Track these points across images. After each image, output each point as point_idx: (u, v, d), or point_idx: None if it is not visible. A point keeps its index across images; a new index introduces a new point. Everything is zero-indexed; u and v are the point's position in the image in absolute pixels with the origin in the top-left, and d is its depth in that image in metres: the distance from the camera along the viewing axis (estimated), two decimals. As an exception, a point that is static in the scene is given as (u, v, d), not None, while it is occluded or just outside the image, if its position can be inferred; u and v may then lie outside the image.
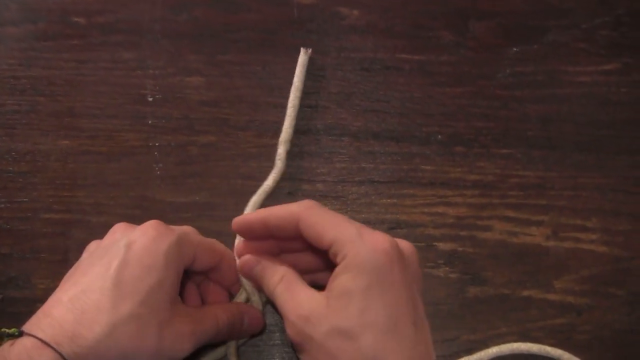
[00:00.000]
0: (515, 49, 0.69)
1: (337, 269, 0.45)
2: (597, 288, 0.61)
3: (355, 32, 0.69)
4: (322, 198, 0.62)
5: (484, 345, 0.58)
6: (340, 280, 0.44)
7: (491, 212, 0.63)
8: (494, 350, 0.57)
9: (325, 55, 0.68)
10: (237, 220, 0.51)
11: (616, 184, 0.64)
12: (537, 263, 0.61)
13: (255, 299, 0.55)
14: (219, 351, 0.56)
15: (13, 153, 0.62)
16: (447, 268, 0.61)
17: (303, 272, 0.50)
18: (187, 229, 0.52)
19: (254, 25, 0.68)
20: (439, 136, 0.65)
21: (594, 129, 0.66)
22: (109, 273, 0.45)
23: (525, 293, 0.60)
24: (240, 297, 0.56)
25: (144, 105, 0.64)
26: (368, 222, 0.60)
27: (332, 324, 0.43)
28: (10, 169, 0.61)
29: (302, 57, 0.64)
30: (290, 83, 0.64)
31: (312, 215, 0.47)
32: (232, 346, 0.55)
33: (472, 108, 0.66)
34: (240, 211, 0.59)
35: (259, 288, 0.52)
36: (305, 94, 0.65)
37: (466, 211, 0.63)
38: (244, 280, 0.54)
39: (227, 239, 0.57)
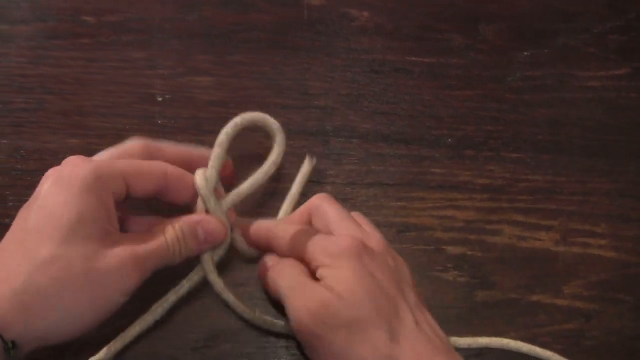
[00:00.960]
0: (525, 53, 0.69)
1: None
2: (605, 294, 0.61)
3: (365, 34, 0.69)
4: None
5: (491, 349, 0.58)
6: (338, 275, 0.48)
7: (500, 217, 0.63)
8: (485, 340, 0.57)
9: (334, 57, 0.68)
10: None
11: (626, 189, 0.65)
12: (545, 268, 0.61)
13: (212, 206, 0.52)
14: (197, 271, 0.54)
15: (22, 151, 0.61)
16: (456, 272, 0.60)
17: None
18: (114, 153, 0.50)
19: (264, 26, 0.68)
20: (449, 139, 0.65)
21: (604, 134, 0.67)
22: (26, 224, 0.43)
23: (534, 298, 0.60)
24: (200, 209, 0.53)
25: (153, 105, 0.64)
26: (377, 225, 0.59)
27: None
28: (19, 167, 0.60)
29: (306, 167, 0.61)
30: (301, 84, 0.65)
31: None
32: (208, 262, 0.52)
33: (482, 111, 0.67)
34: (249, 213, 0.59)
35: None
36: (314, 95, 0.65)
37: (475, 215, 0.62)
38: (201, 188, 0.51)
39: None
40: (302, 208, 0.55)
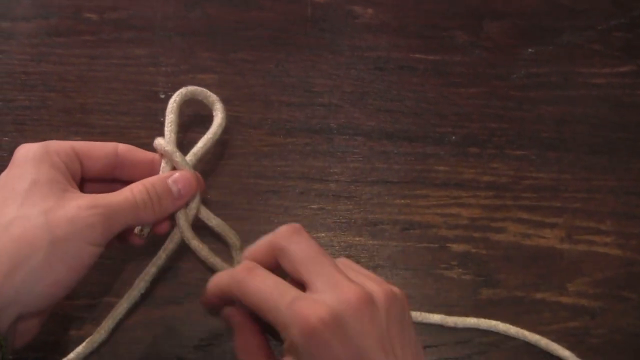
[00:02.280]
0: (530, 50, 0.70)
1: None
2: (610, 291, 0.61)
3: (369, 31, 0.69)
4: (335, 198, 0.62)
5: (496, 347, 0.58)
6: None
7: (505, 214, 0.63)
8: (472, 321, 0.58)
9: (338, 54, 0.68)
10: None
11: (630, 186, 0.65)
12: (550, 265, 0.61)
13: (179, 158, 0.52)
14: (172, 239, 0.54)
15: None
16: (460, 270, 0.60)
17: None
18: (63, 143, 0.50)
19: (267, 23, 0.69)
20: (453, 137, 0.66)
21: (609, 131, 0.67)
22: None
23: (539, 296, 0.60)
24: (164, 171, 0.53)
25: (156, 102, 0.64)
26: (381, 223, 0.61)
27: None
28: None
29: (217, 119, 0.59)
30: (304, 81, 0.65)
31: (286, 255, 0.44)
32: (185, 227, 0.53)
33: (486, 109, 0.67)
34: (253, 210, 0.60)
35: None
36: (318, 92, 0.66)
37: (480, 212, 0.63)
38: (164, 144, 0.52)
39: (240, 236, 0.57)
40: (266, 243, 0.46)
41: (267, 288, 0.42)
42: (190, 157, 0.54)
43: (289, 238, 0.44)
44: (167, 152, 0.52)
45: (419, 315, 0.58)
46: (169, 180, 0.50)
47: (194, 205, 0.53)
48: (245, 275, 0.43)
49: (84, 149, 0.49)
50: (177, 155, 0.52)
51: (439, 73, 0.68)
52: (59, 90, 0.64)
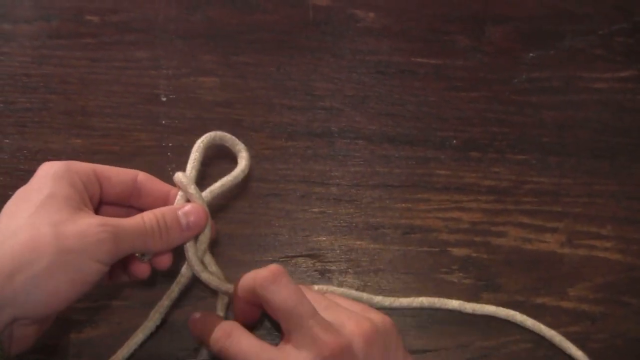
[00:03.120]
0: (531, 54, 0.70)
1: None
2: (611, 296, 0.61)
3: (371, 34, 0.70)
4: (336, 202, 0.62)
5: (497, 351, 0.58)
6: None
7: (506, 218, 0.63)
8: (491, 308, 0.59)
9: (340, 57, 0.68)
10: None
11: (631, 191, 0.65)
12: (551, 270, 0.61)
13: (193, 191, 0.52)
14: (185, 273, 0.55)
15: (24, 151, 0.61)
16: (460, 274, 0.60)
17: None
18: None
19: (269, 26, 0.69)
20: (454, 141, 0.66)
21: (610, 135, 0.67)
22: (3, 210, 0.46)
23: (539, 300, 0.60)
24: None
25: (157, 105, 0.64)
26: (382, 227, 0.61)
27: None
28: (22, 167, 0.61)
29: (242, 164, 0.59)
30: (306, 85, 0.66)
31: (271, 299, 0.46)
32: (190, 251, 0.53)
33: (487, 113, 0.68)
34: (254, 213, 0.61)
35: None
36: (320, 96, 0.66)
37: (481, 217, 0.63)
38: (182, 177, 0.53)
39: (240, 240, 0.58)
40: (247, 287, 0.49)
41: (242, 352, 0.46)
42: (206, 193, 0.55)
43: (268, 287, 0.46)
44: (183, 184, 0.52)
45: (437, 301, 0.58)
46: (179, 212, 0.51)
47: (204, 239, 0.53)
48: (224, 342, 0.47)
49: (105, 173, 0.50)
50: (193, 189, 0.52)
51: (440, 77, 0.69)
52: (60, 93, 0.64)
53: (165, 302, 0.55)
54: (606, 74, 0.69)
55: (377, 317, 0.48)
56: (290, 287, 0.46)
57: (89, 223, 0.44)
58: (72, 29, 0.67)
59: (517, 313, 0.58)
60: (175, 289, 0.55)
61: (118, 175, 0.51)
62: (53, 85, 0.65)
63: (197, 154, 0.55)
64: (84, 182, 0.48)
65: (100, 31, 0.67)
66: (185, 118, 0.64)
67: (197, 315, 0.53)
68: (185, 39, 0.68)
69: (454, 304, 0.58)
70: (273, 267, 0.47)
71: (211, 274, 0.54)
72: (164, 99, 0.65)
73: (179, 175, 0.53)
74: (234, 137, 0.58)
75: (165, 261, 0.52)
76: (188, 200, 0.53)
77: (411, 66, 0.69)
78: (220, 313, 0.55)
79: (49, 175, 0.47)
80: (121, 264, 0.51)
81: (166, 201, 0.53)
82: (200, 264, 0.53)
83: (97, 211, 0.51)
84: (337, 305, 0.49)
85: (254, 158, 0.62)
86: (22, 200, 0.46)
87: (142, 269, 0.51)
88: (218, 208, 0.60)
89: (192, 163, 0.55)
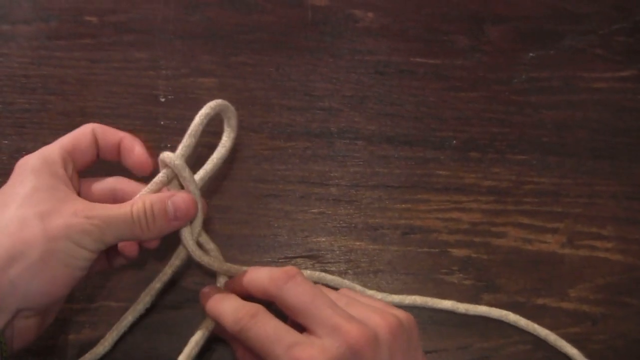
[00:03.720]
0: (531, 54, 0.70)
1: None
2: (612, 297, 0.61)
3: (370, 34, 0.70)
4: (335, 202, 0.63)
5: (497, 353, 0.58)
6: None
7: (506, 219, 0.63)
8: (483, 309, 0.59)
9: (339, 57, 0.69)
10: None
11: (632, 191, 0.65)
12: (551, 271, 0.61)
13: (187, 175, 0.51)
14: (178, 255, 0.56)
15: (23, 152, 0.58)
16: (460, 275, 0.61)
17: None
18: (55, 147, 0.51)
19: (268, 26, 0.69)
20: (454, 141, 0.66)
21: (610, 135, 0.67)
22: None
23: (540, 301, 0.60)
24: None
25: (156, 105, 0.65)
26: (381, 227, 0.61)
27: None
28: None
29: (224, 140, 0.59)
30: (305, 85, 0.66)
31: (286, 297, 0.46)
32: (189, 242, 0.53)
33: (487, 113, 0.68)
34: (253, 214, 0.61)
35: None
36: (319, 96, 0.66)
37: (481, 217, 0.63)
38: (175, 158, 0.51)
39: (239, 240, 0.59)
40: (261, 288, 0.48)
41: (266, 334, 0.44)
42: (198, 177, 0.55)
43: (283, 287, 0.46)
44: (176, 166, 0.51)
45: (429, 301, 0.58)
46: (169, 202, 0.50)
47: (197, 222, 0.53)
48: (247, 321, 0.45)
49: (70, 144, 0.50)
50: (187, 173, 0.51)
51: (439, 77, 0.69)
52: (59, 94, 0.65)
53: (156, 285, 0.55)
54: (606, 74, 0.69)
55: (401, 313, 0.47)
56: (306, 283, 0.46)
57: (74, 212, 0.45)
58: (71, 30, 0.67)
59: (510, 313, 0.59)
60: (168, 271, 0.55)
61: (82, 138, 0.51)
62: (52, 86, 0.65)
63: (198, 128, 0.54)
64: (63, 166, 0.49)
65: (99, 32, 0.67)
66: (184, 119, 0.63)
67: (211, 290, 0.52)
68: (184, 39, 0.68)
69: (447, 303, 0.59)
70: (288, 268, 0.47)
71: (211, 258, 0.54)
72: (163, 100, 0.65)
73: (169, 157, 0.51)
74: (229, 105, 0.56)
75: (152, 242, 0.52)
76: (180, 184, 0.53)
77: (410, 66, 0.69)
78: None
79: (27, 170, 0.47)
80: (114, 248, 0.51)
81: (118, 150, 0.53)
82: (198, 248, 0.53)
83: (80, 188, 0.52)
84: (358, 302, 0.48)
85: (252, 159, 0.62)
86: (7, 196, 0.46)
87: (130, 249, 0.51)
88: (221, 209, 0.61)
89: (189, 141, 0.53)
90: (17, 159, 0.58)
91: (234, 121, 0.57)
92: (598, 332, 0.60)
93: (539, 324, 0.59)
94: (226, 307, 0.48)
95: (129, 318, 0.54)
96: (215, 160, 0.57)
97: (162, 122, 0.64)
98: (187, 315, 0.56)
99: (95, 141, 0.52)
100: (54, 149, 0.49)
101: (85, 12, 0.68)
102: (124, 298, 0.56)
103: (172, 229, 0.51)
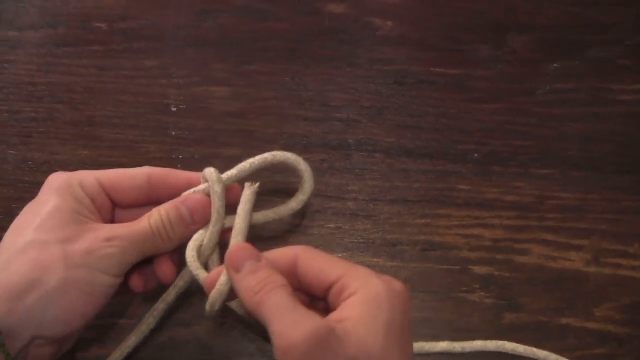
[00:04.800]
0: (555, 65, 0.70)
1: (350, 300, 0.42)
2: (639, 317, 0.60)
3: (389, 44, 0.69)
4: (353, 217, 0.62)
5: (487, 353, 0.57)
6: (357, 312, 0.41)
7: (529, 236, 0.62)
8: (478, 344, 0.57)
9: (357, 67, 0.68)
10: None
11: (660, 208, 0.64)
12: (576, 290, 0.60)
13: (218, 190, 0.50)
14: (182, 276, 0.54)
15: (29, 163, 0.62)
16: (482, 293, 0.60)
17: None
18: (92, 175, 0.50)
19: (283, 34, 0.69)
20: (475, 154, 0.65)
21: (637, 149, 0.66)
22: (12, 226, 0.46)
23: (564, 321, 0.59)
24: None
25: (167, 115, 0.64)
26: (400, 243, 0.61)
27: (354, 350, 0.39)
28: (27, 179, 0.61)
29: (247, 193, 0.53)
30: (321, 95, 0.66)
31: (312, 254, 0.45)
32: (193, 262, 0.50)
33: (509, 125, 0.67)
34: (266, 229, 0.60)
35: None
36: (336, 107, 0.66)
37: (503, 234, 0.62)
38: (210, 174, 0.51)
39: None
40: (283, 253, 0.46)
41: (332, 257, 0.45)
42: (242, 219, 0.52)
43: (310, 248, 0.46)
44: (212, 177, 0.50)
45: (425, 345, 0.57)
46: (182, 207, 0.50)
47: (212, 238, 0.51)
48: (305, 250, 0.45)
49: (111, 181, 0.50)
50: (219, 188, 0.50)
51: (460, 88, 0.68)
52: (66, 102, 0.65)
53: (160, 306, 0.54)
54: (633, 86, 0.68)
55: None
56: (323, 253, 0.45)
57: (96, 238, 0.45)
58: (80, 37, 0.67)
59: (507, 342, 0.57)
60: (172, 293, 0.54)
61: (129, 181, 0.50)
62: (59, 94, 0.65)
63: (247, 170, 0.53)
64: (91, 195, 0.48)
65: (108, 39, 0.67)
66: (196, 129, 0.64)
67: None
68: (196, 47, 0.68)
69: (443, 345, 0.57)
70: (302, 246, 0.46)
71: (206, 273, 0.50)
72: (174, 109, 0.65)
73: (211, 172, 0.51)
74: (299, 158, 0.54)
75: (168, 273, 0.51)
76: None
77: (430, 76, 0.69)
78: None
79: (53, 188, 0.47)
80: (149, 267, 0.51)
81: (183, 188, 0.52)
82: (196, 261, 0.50)
83: (113, 216, 0.51)
84: None
85: (266, 171, 0.61)
86: (29, 214, 0.46)
87: (167, 271, 0.51)
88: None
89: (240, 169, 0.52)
90: (23, 170, 0.61)
91: (307, 184, 0.55)
92: (624, 354, 0.59)
93: (562, 344, 0.58)
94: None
95: (132, 339, 0.53)
96: (280, 210, 0.55)
97: (173, 133, 0.64)
98: (197, 332, 0.56)
99: (149, 184, 0.51)
100: (89, 177, 0.49)
101: (94, 19, 0.68)
102: (134, 315, 0.56)
103: (191, 235, 0.50)
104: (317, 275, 0.44)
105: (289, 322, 0.39)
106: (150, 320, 0.54)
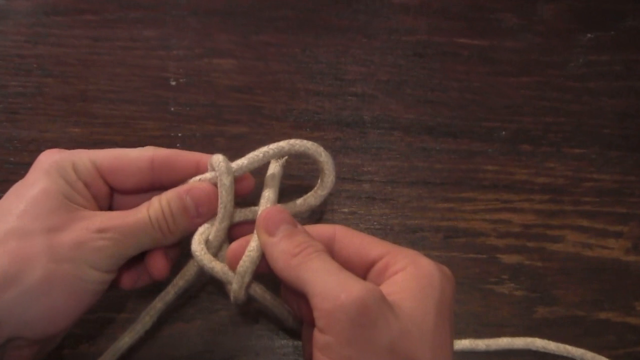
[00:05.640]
0: (589, 35, 0.69)
1: (398, 276, 0.40)
2: (685, 311, 0.58)
3: (408, 12, 0.68)
4: (369, 200, 0.59)
5: (516, 351, 0.55)
6: (407, 286, 0.40)
7: (562, 221, 0.60)
8: (504, 341, 0.55)
9: (373, 38, 0.67)
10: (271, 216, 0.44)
11: None
12: (615, 281, 0.58)
13: (226, 182, 0.46)
14: (183, 275, 0.50)
15: (15, 142, 0.60)
16: (512, 284, 0.57)
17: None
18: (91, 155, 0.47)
19: (294, 2, 0.68)
20: (503, 132, 0.63)
21: (679, 127, 0.65)
22: None
23: (602, 315, 0.57)
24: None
25: (166, 89, 0.62)
26: (421, 229, 0.59)
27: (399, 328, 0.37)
28: (12, 159, 0.59)
29: (274, 166, 0.52)
30: (335, 68, 0.64)
31: (351, 231, 0.45)
32: (200, 251, 0.46)
33: (539, 101, 0.65)
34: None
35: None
36: (350, 81, 0.64)
37: (534, 219, 0.60)
38: (217, 161, 0.46)
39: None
40: (319, 227, 0.45)
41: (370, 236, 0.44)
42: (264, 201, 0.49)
43: (348, 227, 0.45)
44: (220, 167, 0.46)
45: None
46: (186, 197, 0.46)
47: (218, 227, 0.47)
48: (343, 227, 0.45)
49: (109, 163, 0.46)
50: (228, 180, 0.46)
51: (486, 60, 0.66)
52: (56, 76, 0.62)
53: (157, 305, 0.51)
54: (674, 57, 0.67)
55: None
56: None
57: (86, 227, 0.42)
58: (71, 5, 0.66)
59: (537, 339, 0.55)
60: (170, 291, 0.50)
61: (129, 164, 0.47)
62: (49, 67, 0.63)
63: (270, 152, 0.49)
64: (84, 179, 0.45)
65: (102, 7, 0.66)
66: (197, 105, 0.62)
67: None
68: (198, 15, 0.66)
69: (464, 343, 0.55)
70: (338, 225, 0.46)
71: (221, 264, 0.47)
72: (174, 83, 0.63)
73: (218, 158, 0.46)
74: (319, 148, 0.50)
75: (161, 270, 0.47)
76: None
77: (453, 47, 0.67)
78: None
79: (42, 169, 0.44)
80: (141, 262, 0.48)
81: (197, 173, 0.49)
82: (207, 253, 0.47)
83: (111, 203, 0.48)
84: None
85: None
86: (12, 197, 0.43)
87: (160, 267, 0.47)
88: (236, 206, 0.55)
89: (251, 158, 0.48)
90: (8, 149, 0.59)
91: (328, 178, 0.51)
92: (669, 351, 0.57)
93: (601, 341, 0.56)
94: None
95: (126, 339, 0.50)
96: (304, 201, 0.52)
97: (172, 109, 0.62)
98: (199, 328, 0.53)
99: (151, 168, 0.47)
100: (84, 159, 0.46)
101: (87, -15, 0.66)
102: (129, 309, 0.54)
103: (195, 228, 0.47)
104: (357, 251, 0.43)
105: (334, 283, 0.38)
106: (146, 319, 0.50)
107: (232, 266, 0.45)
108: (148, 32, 0.64)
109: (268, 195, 0.49)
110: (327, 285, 0.38)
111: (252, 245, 0.45)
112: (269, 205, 0.48)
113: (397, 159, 0.61)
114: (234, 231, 0.48)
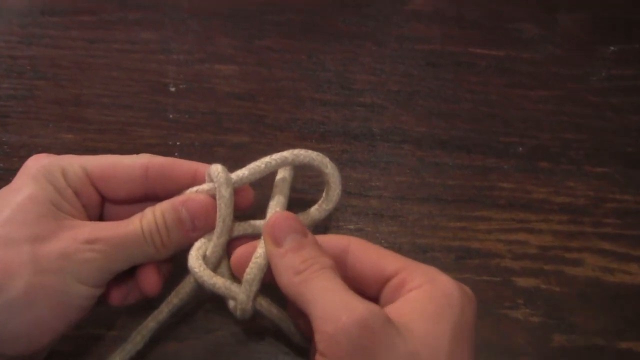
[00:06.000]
0: (612, 48, 0.68)
1: (412, 294, 0.39)
2: None
3: (421, 19, 0.69)
4: (377, 217, 0.57)
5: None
6: (421, 306, 0.38)
7: (582, 243, 0.57)
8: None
9: (384, 45, 0.67)
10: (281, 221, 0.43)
11: None
12: (638, 308, 0.55)
13: (225, 194, 0.45)
14: (177, 293, 0.48)
15: (5, 146, 0.59)
16: (527, 310, 0.54)
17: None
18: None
19: (300, 6, 0.68)
20: (520, 148, 0.62)
21: None
22: None
23: (624, 345, 0.53)
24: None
25: (165, 95, 0.62)
26: (432, 249, 0.56)
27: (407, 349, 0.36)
28: (1, 165, 0.58)
29: (285, 169, 0.51)
30: (342, 77, 0.63)
31: (367, 244, 0.43)
32: (197, 265, 0.45)
33: (559, 116, 0.64)
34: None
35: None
36: (359, 90, 0.64)
37: (552, 240, 0.57)
38: (216, 172, 0.45)
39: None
40: (332, 238, 0.44)
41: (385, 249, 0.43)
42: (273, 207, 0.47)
43: (361, 239, 0.44)
44: (212, 174, 0.45)
45: None
46: (182, 209, 0.45)
47: (216, 240, 0.46)
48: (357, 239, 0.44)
49: (101, 170, 0.45)
50: (227, 192, 0.45)
51: (503, 71, 0.66)
52: (50, 78, 0.62)
53: (150, 324, 0.48)
54: (701, 72, 0.66)
55: None
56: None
57: (74, 238, 0.41)
58: (68, 5, 0.68)
59: None
60: (164, 310, 0.48)
61: (122, 172, 0.46)
62: (42, 69, 0.62)
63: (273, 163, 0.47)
64: (74, 186, 0.44)
65: (100, 7, 0.67)
66: (197, 112, 0.61)
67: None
68: (199, 18, 0.66)
69: None
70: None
71: (226, 281, 0.45)
72: (173, 89, 0.62)
73: (217, 169, 0.45)
74: (324, 159, 0.48)
75: (152, 285, 0.46)
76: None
77: (468, 57, 0.66)
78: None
79: (30, 174, 0.43)
80: (131, 277, 0.47)
81: (194, 184, 0.47)
82: (206, 268, 0.45)
83: (101, 213, 0.47)
84: None
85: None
86: (2, 200, 0.42)
87: (151, 283, 0.46)
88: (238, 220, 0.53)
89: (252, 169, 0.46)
90: None
91: (334, 192, 0.49)
92: (696, 386, 0.55)
93: None
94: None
95: (116, 359, 0.48)
96: (310, 215, 0.49)
97: (171, 116, 0.61)
98: (194, 348, 0.51)
99: (145, 177, 0.46)
100: (75, 165, 0.45)
101: (84, -15, 0.66)
102: (118, 326, 0.51)
103: (190, 241, 0.46)
104: (372, 266, 0.42)
105: (338, 304, 0.37)
106: (137, 339, 0.48)
107: (238, 273, 0.44)
108: (147, 35, 0.65)
109: (278, 199, 0.47)
110: (329, 306, 0.36)
111: (259, 251, 0.43)
112: (278, 210, 0.46)
113: (407, 174, 0.60)
114: (233, 246, 0.46)
